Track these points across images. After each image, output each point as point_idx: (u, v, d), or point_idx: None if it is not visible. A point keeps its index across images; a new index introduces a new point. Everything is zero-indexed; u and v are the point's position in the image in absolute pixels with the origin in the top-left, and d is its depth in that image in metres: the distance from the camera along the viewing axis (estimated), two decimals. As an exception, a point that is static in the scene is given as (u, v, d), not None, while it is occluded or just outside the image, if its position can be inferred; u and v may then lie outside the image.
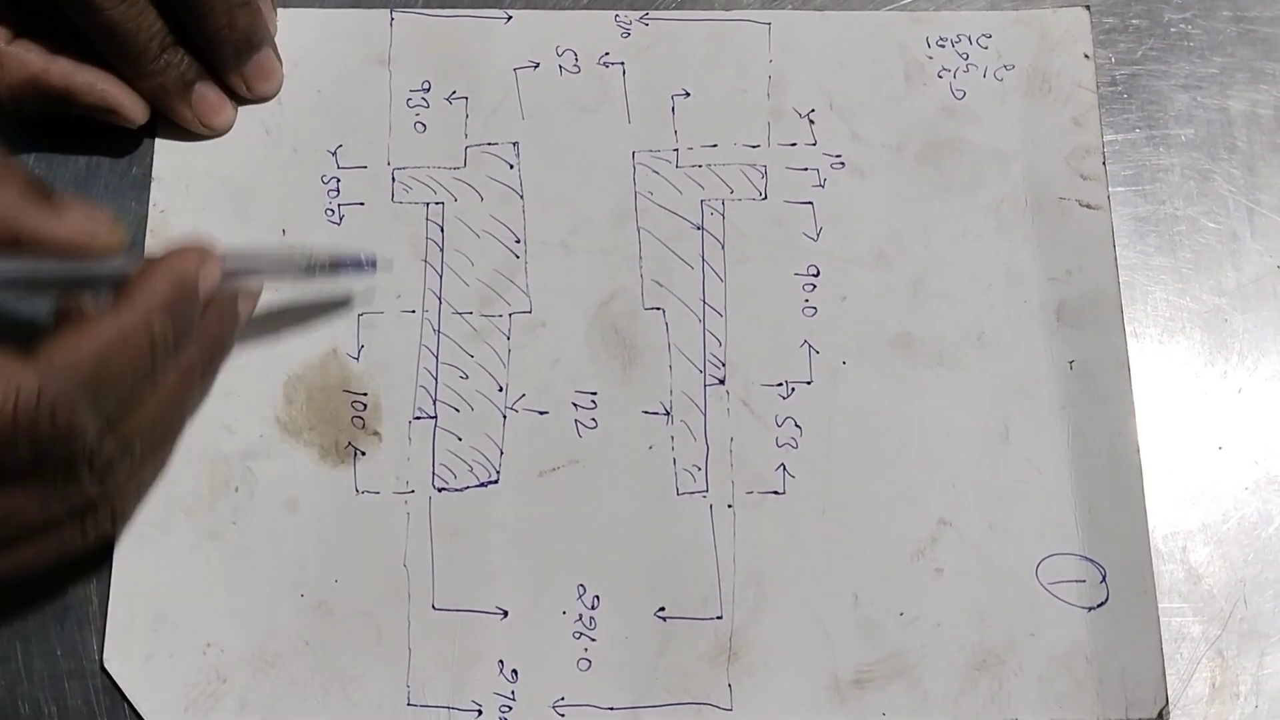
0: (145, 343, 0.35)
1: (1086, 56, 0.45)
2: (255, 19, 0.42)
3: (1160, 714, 0.39)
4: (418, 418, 0.41)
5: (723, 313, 0.43)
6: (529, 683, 0.39)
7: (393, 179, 0.44)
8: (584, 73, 0.45)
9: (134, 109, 0.42)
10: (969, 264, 0.43)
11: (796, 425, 0.42)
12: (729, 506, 0.41)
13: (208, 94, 0.42)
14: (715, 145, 0.44)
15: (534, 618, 0.40)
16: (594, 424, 0.42)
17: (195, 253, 0.37)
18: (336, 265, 0.40)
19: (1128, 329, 0.42)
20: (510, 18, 0.45)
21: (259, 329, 0.42)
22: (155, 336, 0.35)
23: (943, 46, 0.45)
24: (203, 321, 0.38)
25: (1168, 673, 0.39)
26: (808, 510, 0.41)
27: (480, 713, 0.39)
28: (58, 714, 0.39)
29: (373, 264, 0.41)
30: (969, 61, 0.45)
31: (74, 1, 0.38)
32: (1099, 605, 0.40)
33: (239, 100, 0.44)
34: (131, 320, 0.35)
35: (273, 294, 0.42)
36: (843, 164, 0.44)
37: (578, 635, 0.40)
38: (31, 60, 0.41)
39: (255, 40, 0.42)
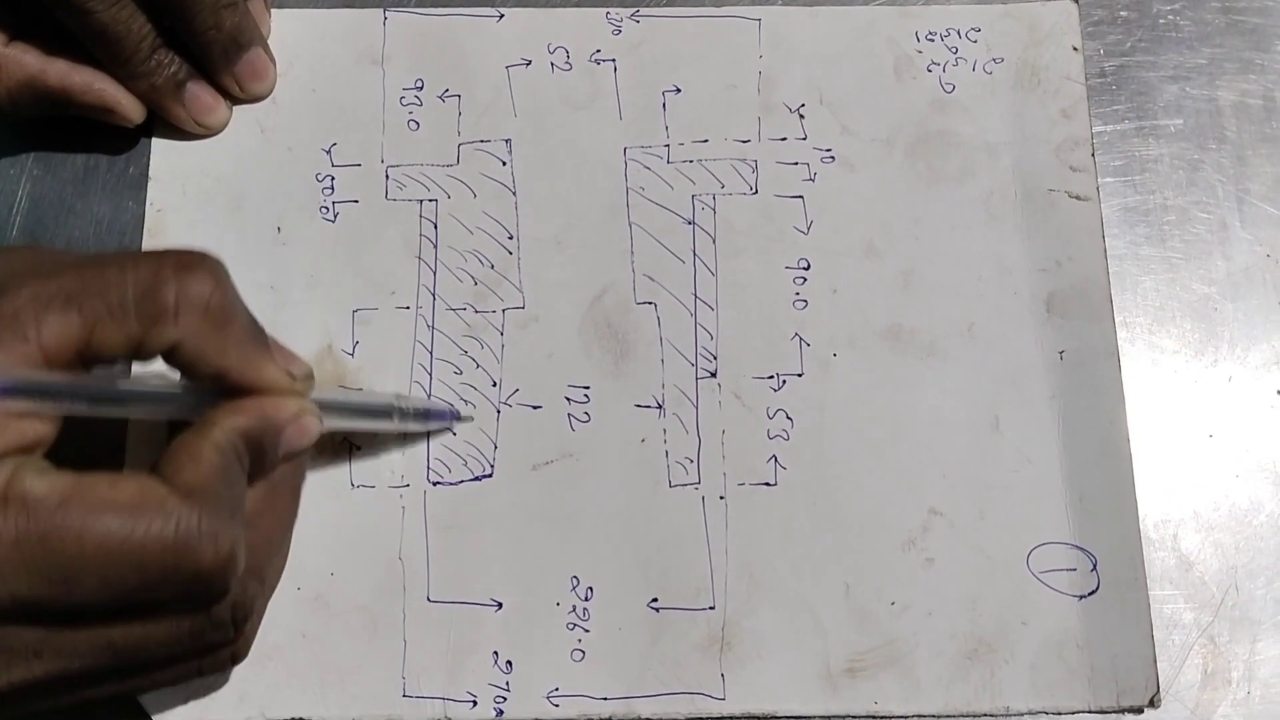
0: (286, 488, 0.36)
1: (1075, 49, 0.45)
2: (242, 19, 0.42)
3: (1152, 701, 0.39)
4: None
5: (714, 306, 0.43)
6: (523, 674, 0.40)
7: (386, 176, 0.44)
8: (575, 70, 0.45)
9: (131, 108, 0.42)
10: (959, 256, 0.43)
11: (788, 417, 0.42)
12: (721, 498, 0.41)
13: (200, 94, 0.43)
14: (706, 140, 0.45)
15: (528, 609, 0.40)
16: (587, 418, 0.42)
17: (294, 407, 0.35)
18: (425, 416, 0.41)
19: (1117, 319, 0.43)
20: (502, 16, 0.46)
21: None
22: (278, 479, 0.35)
23: (932, 40, 0.46)
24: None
25: (1159, 660, 0.40)
26: (799, 501, 0.41)
27: (475, 703, 0.39)
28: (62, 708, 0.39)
29: (458, 417, 0.41)
30: (958, 55, 0.45)
31: (64, 5, 0.39)
32: (1090, 593, 0.40)
33: (233, 100, 0.44)
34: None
35: (269, 293, 0.42)
36: (833, 158, 0.44)
37: (571, 626, 0.40)
38: (29, 62, 0.41)
39: (243, 40, 0.43)
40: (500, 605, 0.40)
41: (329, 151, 0.44)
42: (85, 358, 0.32)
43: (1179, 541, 0.41)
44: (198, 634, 0.33)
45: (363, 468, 0.41)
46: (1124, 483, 0.41)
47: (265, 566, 0.35)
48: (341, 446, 0.41)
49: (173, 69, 0.42)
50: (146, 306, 0.32)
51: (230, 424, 0.33)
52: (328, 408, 0.37)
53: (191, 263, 0.33)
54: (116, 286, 0.32)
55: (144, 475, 0.31)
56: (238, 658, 0.36)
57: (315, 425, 0.35)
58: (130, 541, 0.30)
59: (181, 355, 0.33)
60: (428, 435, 0.41)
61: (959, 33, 0.46)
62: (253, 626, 0.36)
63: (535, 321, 0.43)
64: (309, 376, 0.36)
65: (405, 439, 0.41)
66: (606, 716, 0.39)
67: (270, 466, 0.35)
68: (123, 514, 0.30)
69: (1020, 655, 0.40)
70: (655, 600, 0.40)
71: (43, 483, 0.29)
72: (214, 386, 0.34)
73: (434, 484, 0.41)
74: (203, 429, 0.33)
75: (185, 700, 0.39)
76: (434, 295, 0.43)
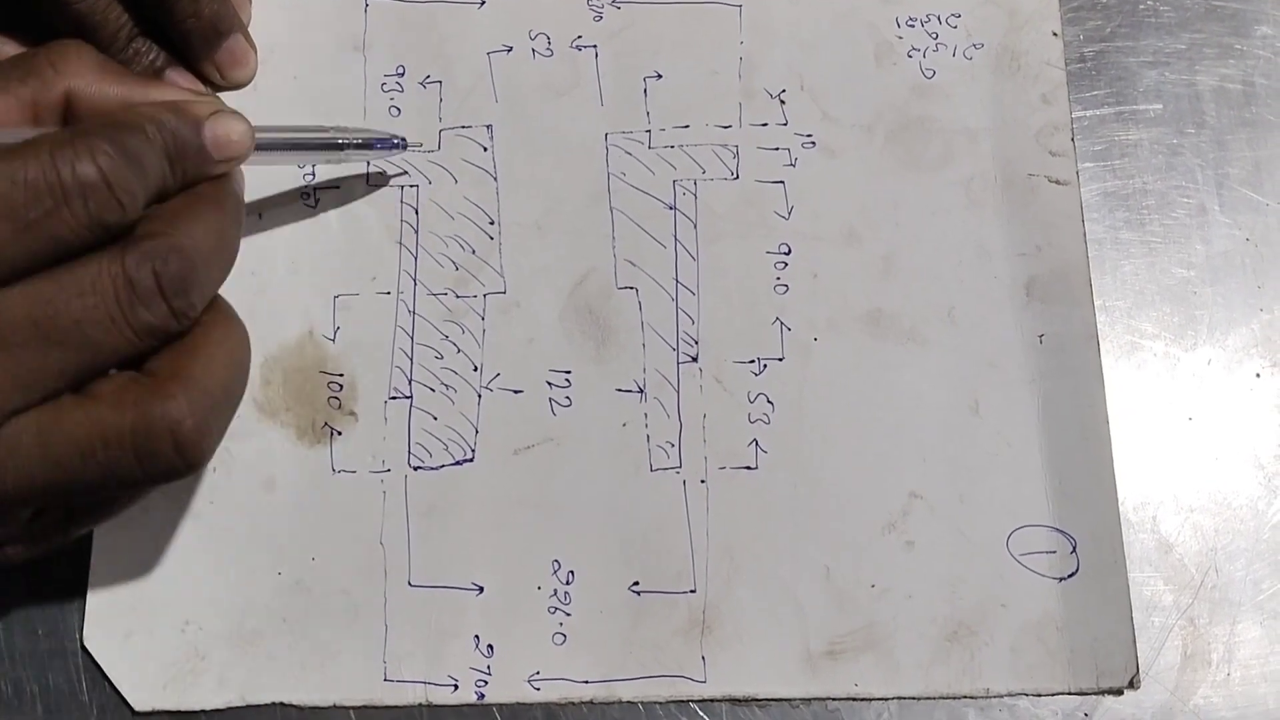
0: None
1: (1055, 34, 0.46)
2: (222, 6, 0.42)
3: (1131, 682, 0.39)
4: (393, 398, 0.42)
5: (695, 291, 0.43)
6: (504, 657, 0.40)
7: (367, 162, 0.44)
8: (557, 56, 0.45)
9: (110, 96, 0.42)
10: (939, 241, 0.43)
11: (769, 401, 0.42)
12: (702, 482, 0.41)
13: (178, 81, 0.43)
14: (687, 126, 0.45)
15: (509, 593, 0.40)
16: (568, 402, 0.42)
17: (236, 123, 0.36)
18: (368, 144, 0.41)
19: (1097, 303, 0.43)
20: (483, 3, 0.46)
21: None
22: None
23: (912, 26, 0.46)
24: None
25: (1139, 642, 0.40)
26: (780, 485, 0.41)
27: (456, 687, 0.39)
28: (39, 693, 0.39)
29: (403, 143, 0.42)
30: (938, 41, 0.46)
31: None
32: (1070, 576, 0.40)
33: (214, 88, 0.44)
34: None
35: (250, 278, 0.42)
36: (814, 143, 0.45)
37: (553, 610, 0.40)
38: (7, 53, 0.41)
39: (223, 27, 0.43)
40: (481, 589, 0.40)
41: (310, 138, 0.44)
42: None
43: (1158, 524, 0.41)
44: (120, 288, 0.31)
45: (344, 453, 0.41)
46: (1103, 466, 0.41)
47: (189, 250, 0.33)
48: (323, 432, 0.41)
49: (150, 57, 0.42)
50: (23, 69, 0.35)
51: (138, 108, 0.34)
52: (261, 127, 0.37)
53: (57, 40, 0.36)
54: None
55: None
56: (186, 449, 0.32)
57: (242, 123, 0.36)
58: (12, 167, 0.30)
59: (81, 103, 0.35)
60: (372, 178, 0.42)
61: (939, 18, 0.46)
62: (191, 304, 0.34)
63: (516, 306, 0.43)
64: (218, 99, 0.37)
65: (367, 392, 0.42)
66: (587, 700, 0.39)
67: (204, 173, 0.35)
68: (7, 149, 0.30)
69: (1000, 637, 0.40)
70: (636, 584, 0.40)
71: None
72: None
73: (415, 469, 0.41)
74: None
75: (164, 685, 0.39)
76: (415, 280, 0.43)
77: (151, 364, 0.33)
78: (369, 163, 0.43)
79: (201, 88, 0.43)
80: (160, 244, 0.32)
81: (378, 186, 0.43)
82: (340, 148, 0.40)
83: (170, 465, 0.32)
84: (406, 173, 0.43)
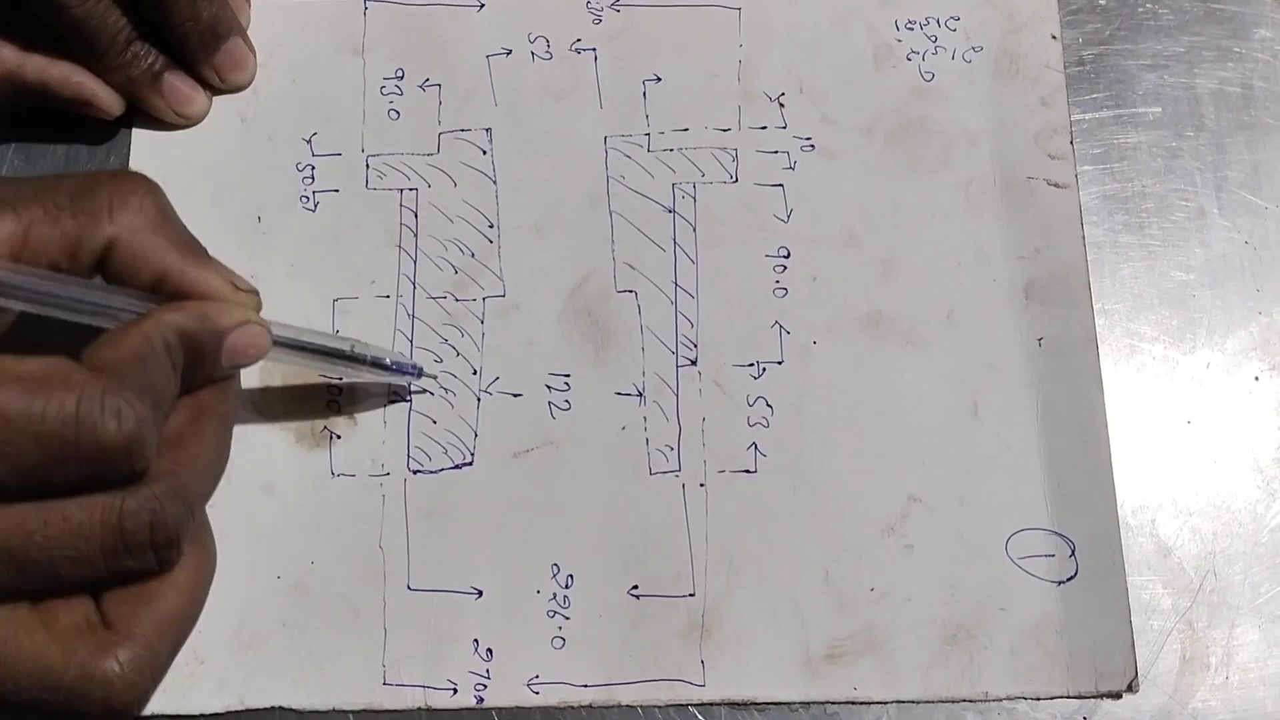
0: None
1: (1054, 37, 0.46)
2: (220, 10, 0.42)
3: (1130, 686, 0.39)
4: (392, 401, 0.42)
5: (694, 294, 0.43)
6: (504, 661, 0.40)
7: (367, 166, 0.44)
8: (556, 59, 0.45)
9: (109, 101, 0.42)
10: (938, 243, 0.43)
11: (768, 405, 0.42)
12: (701, 485, 0.41)
13: (178, 84, 0.43)
14: (686, 129, 0.45)
15: (508, 597, 0.40)
16: (567, 406, 0.42)
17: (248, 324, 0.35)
18: (383, 366, 0.40)
19: (1096, 306, 0.43)
20: (483, 5, 0.46)
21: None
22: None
23: (911, 29, 0.46)
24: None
25: (1138, 645, 0.40)
26: (779, 488, 0.41)
27: (456, 691, 0.39)
28: (39, 697, 0.39)
29: (420, 373, 0.41)
30: (937, 43, 0.46)
31: (41, 1, 0.39)
32: (1068, 579, 0.40)
33: (213, 90, 0.44)
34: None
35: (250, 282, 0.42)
36: (813, 146, 0.45)
37: (552, 614, 0.40)
38: (6, 56, 0.41)
39: (222, 30, 0.43)
40: (480, 593, 0.40)
41: (309, 141, 0.44)
42: (24, 260, 0.33)
43: (1157, 527, 0.41)
44: (109, 536, 0.31)
45: (343, 456, 0.41)
46: (1102, 469, 0.41)
47: (189, 491, 0.33)
48: (322, 436, 0.41)
49: (149, 61, 0.42)
50: (80, 205, 0.33)
51: (164, 318, 0.33)
52: (279, 337, 0.37)
53: (126, 173, 0.36)
54: (53, 190, 0.33)
55: (58, 357, 0.31)
56: (116, 709, 0.33)
57: (263, 336, 0.35)
58: (30, 412, 0.29)
59: (119, 256, 0.34)
60: (392, 391, 0.41)
61: (938, 21, 0.46)
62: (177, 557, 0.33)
63: (516, 310, 0.43)
64: (254, 293, 0.36)
65: (367, 395, 0.41)
66: (587, 704, 0.39)
67: (210, 376, 0.35)
68: (25, 385, 0.29)
69: (999, 641, 0.40)
70: (635, 587, 0.40)
71: None
72: (155, 294, 0.34)
73: (414, 472, 0.41)
74: (136, 321, 0.33)
75: (163, 689, 0.39)
76: (414, 284, 0.43)
77: (110, 604, 0.32)
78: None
79: (202, 92, 0.43)
80: (162, 489, 0.31)
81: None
82: (355, 361, 0.39)
83: (95, 717, 0.31)
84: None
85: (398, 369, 0.40)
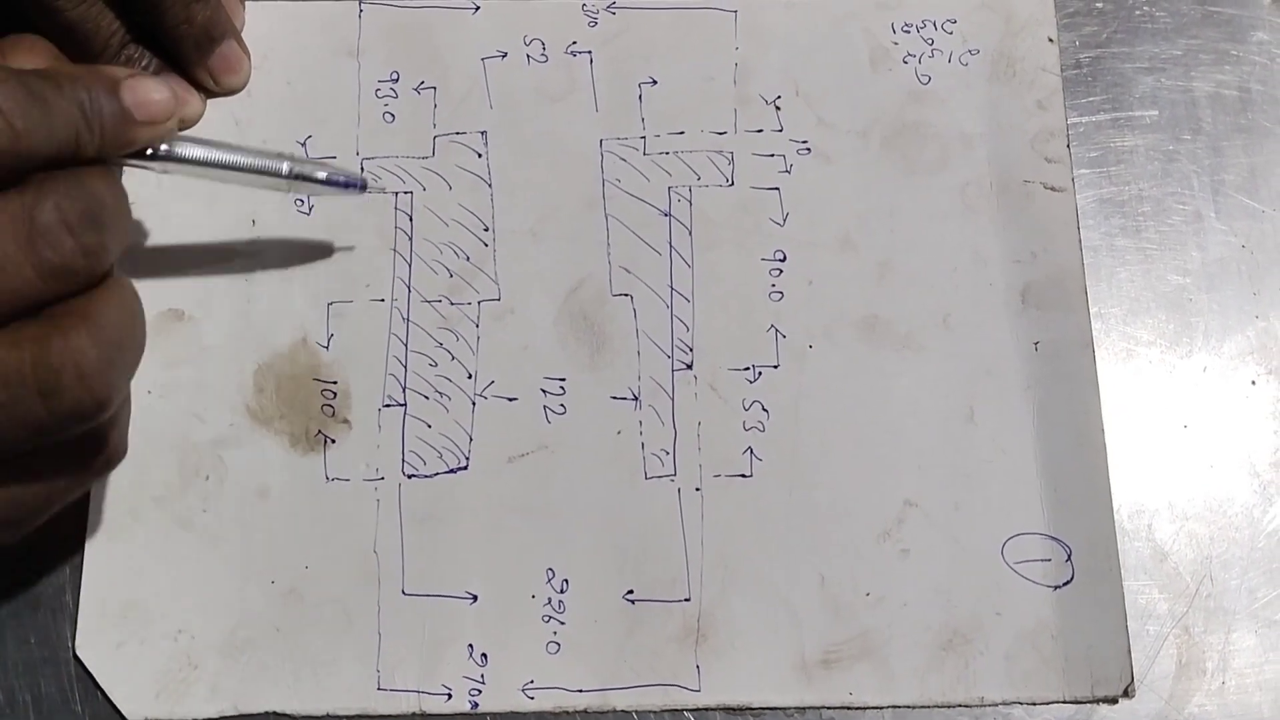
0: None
1: (1051, 40, 0.45)
2: (214, 13, 0.42)
3: (1126, 691, 0.39)
4: (387, 405, 0.42)
5: (690, 298, 0.43)
6: (498, 666, 0.39)
7: (362, 169, 0.44)
8: (551, 62, 0.45)
9: (102, 103, 0.42)
10: (934, 247, 0.43)
11: (764, 409, 0.42)
12: (697, 490, 0.41)
13: (173, 87, 0.43)
14: (682, 132, 0.45)
15: (503, 602, 0.40)
16: (563, 410, 0.42)
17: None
18: (321, 179, 0.39)
19: (1092, 310, 0.43)
20: (478, 8, 0.46)
21: (229, 319, 0.42)
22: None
23: (908, 32, 0.46)
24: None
25: (1134, 650, 0.40)
26: (775, 493, 0.41)
27: (450, 696, 0.39)
28: (32, 702, 0.39)
29: (362, 185, 0.40)
30: (934, 46, 0.45)
31: (33, 4, 0.39)
32: (1065, 584, 0.40)
33: (208, 94, 0.44)
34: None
35: (243, 285, 0.42)
36: (809, 150, 0.44)
37: (547, 619, 0.40)
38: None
39: (216, 34, 0.42)
40: (475, 598, 0.40)
41: (304, 144, 0.44)
42: None
43: (1154, 532, 0.41)
44: (22, 228, 0.29)
45: (338, 461, 0.41)
46: (1099, 473, 0.41)
47: (100, 211, 0.31)
48: (316, 440, 0.41)
49: (142, 64, 0.42)
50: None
51: (58, 70, 0.32)
52: (201, 143, 0.37)
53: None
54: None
55: None
56: (112, 460, 0.33)
57: (162, 91, 0.34)
58: None
59: None
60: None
61: (935, 24, 0.46)
62: (120, 409, 0.32)
63: (511, 314, 0.43)
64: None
65: (362, 400, 0.41)
66: (581, 709, 0.39)
67: (123, 131, 0.34)
68: None
69: (995, 646, 0.40)
70: (631, 592, 0.40)
71: None
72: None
73: (409, 476, 0.41)
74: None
75: (156, 695, 0.39)
76: (409, 288, 0.43)
77: (48, 310, 0.30)
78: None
79: (194, 93, 0.43)
80: (63, 182, 0.30)
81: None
82: (280, 176, 0.38)
83: (76, 400, 0.30)
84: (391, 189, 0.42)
85: (334, 182, 0.39)
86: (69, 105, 0.32)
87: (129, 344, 0.32)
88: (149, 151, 0.36)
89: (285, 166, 0.38)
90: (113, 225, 0.32)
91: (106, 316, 0.31)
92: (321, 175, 0.39)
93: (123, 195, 0.33)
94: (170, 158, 0.36)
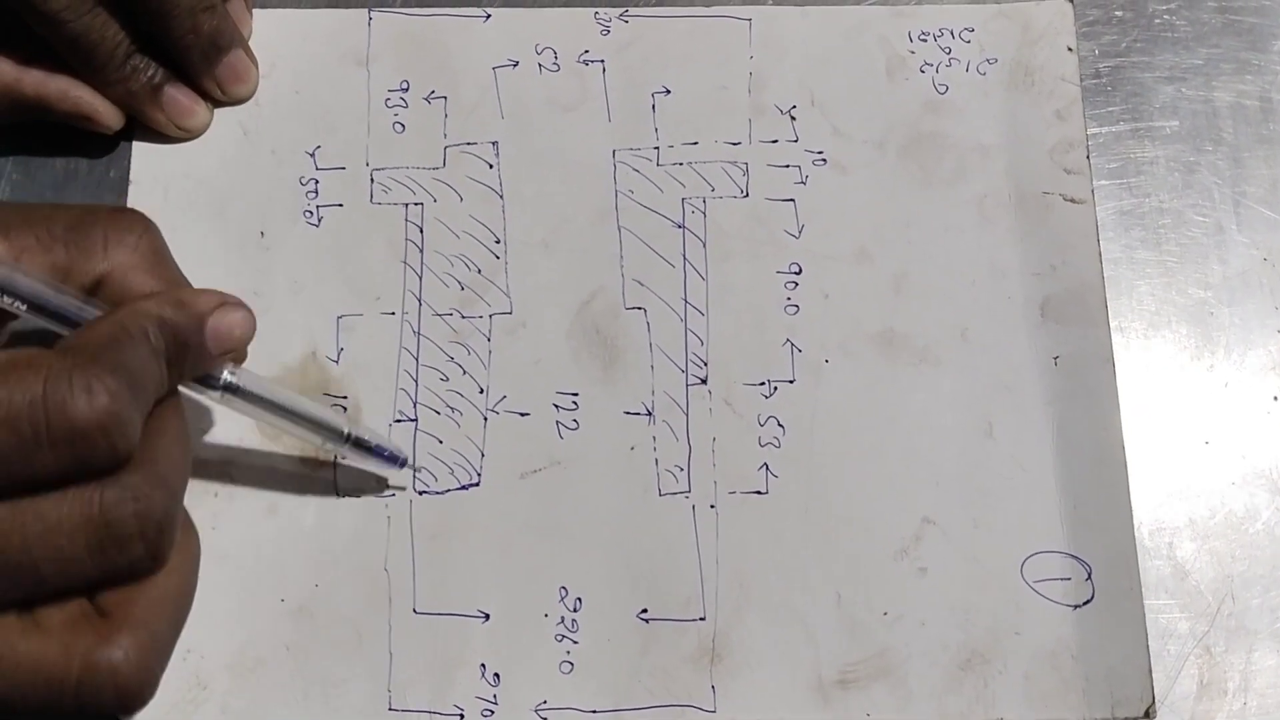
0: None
1: (1070, 49, 0.45)
2: (222, 22, 0.41)
3: (1147, 712, 0.39)
4: (398, 420, 0.41)
5: (704, 311, 0.42)
6: (511, 686, 0.39)
7: (371, 180, 0.43)
8: (564, 71, 0.45)
9: (109, 115, 0.42)
10: (952, 260, 0.43)
11: (779, 424, 0.41)
12: (711, 507, 0.41)
13: (178, 97, 0.42)
14: (696, 143, 0.44)
15: (516, 620, 0.39)
16: (575, 425, 0.41)
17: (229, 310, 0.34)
18: (367, 448, 0.38)
19: (1112, 324, 0.42)
20: (489, 16, 0.45)
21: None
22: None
23: (925, 41, 0.45)
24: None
25: (1155, 670, 0.39)
26: (791, 510, 0.40)
27: (462, 717, 0.39)
28: (39, 721, 0.39)
29: (404, 462, 0.39)
30: (951, 55, 0.45)
31: (37, 14, 0.38)
32: (1085, 603, 0.40)
33: (215, 103, 0.43)
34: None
35: (252, 299, 0.42)
36: (824, 160, 0.44)
37: (560, 638, 0.39)
38: (4, 71, 0.40)
39: (223, 43, 0.42)
40: (487, 616, 0.39)
41: (313, 154, 0.44)
42: None
43: (1174, 550, 0.41)
44: (92, 530, 0.29)
45: (348, 477, 0.40)
46: (1119, 490, 0.41)
47: (172, 479, 0.31)
48: (327, 456, 0.41)
49: (148, 74, 0.41)
50: (75, 237, 0.33)
51: (140, 305, 0.32)
52: (261, 388, 0.36)
53: (124, 210, 0.35)
54: (48, 220, 0.33)
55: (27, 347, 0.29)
56: (128, 696, 0.32)
57: (247, 318, 0.34)
58: None
59: (109, 291, 0.33)
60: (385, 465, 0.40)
61: (952, 33, 0.45)
62: (168, 548, 0.32)
63: (523, 327, 0.42)
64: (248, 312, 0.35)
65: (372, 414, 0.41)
66: (595, 729, 0.39)
67: (202, 367, 0.34)
68: None
69: (1014, 665, 0.39)
70: (645, 611, 0.40)
71: None
72: None
73: (420, 493, 0.40)
74: (110, 311, 0.32)
75: (165, 714, 0.38)
76: (420, 301, 0.42)
77: (103, 595, 0.31)
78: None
79: (202, 105, 0.43)
80: (143, 477, 0.30)
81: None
82: (340, 439, 0.38)
83: (108, 710, 0.30)
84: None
85: (379, 455, 0.39)
86: (159, 369, 0.32)
87: (173, 637, 0.32)
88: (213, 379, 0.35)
89: (346, 429, 0.38)
90: (178, 508, 0.32)
91: (155, 619, 0.31)
92: (374, 444, 0.39)
93: (187, 449, 0.33)
94: (234, 390, 0.36)
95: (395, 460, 0.39)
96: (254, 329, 0.35)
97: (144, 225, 0.34)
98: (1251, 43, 0.45)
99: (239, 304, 0.35)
